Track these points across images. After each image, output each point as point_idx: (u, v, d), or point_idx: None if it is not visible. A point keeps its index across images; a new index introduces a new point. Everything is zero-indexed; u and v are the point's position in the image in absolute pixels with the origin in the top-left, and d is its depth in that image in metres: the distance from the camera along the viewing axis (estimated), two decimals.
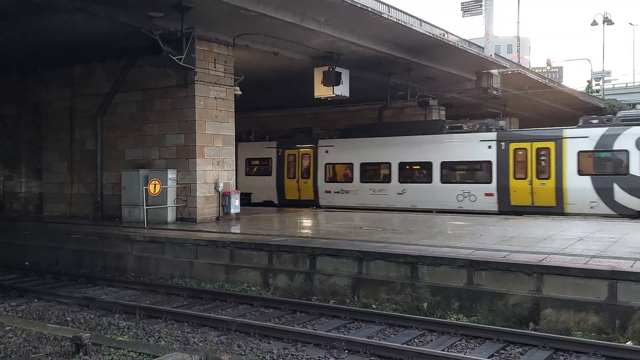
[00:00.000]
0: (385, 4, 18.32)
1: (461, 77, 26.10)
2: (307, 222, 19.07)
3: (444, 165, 23.30)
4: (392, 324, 9.98)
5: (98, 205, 19.81)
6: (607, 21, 45.87)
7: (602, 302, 9.33)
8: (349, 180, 25.57)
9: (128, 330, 9.21)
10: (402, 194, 23.93)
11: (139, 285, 13.39)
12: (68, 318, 10.10)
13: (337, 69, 20.54)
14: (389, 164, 24.53)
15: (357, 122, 30.75)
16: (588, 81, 47.77)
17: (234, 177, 19.21)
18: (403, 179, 24.21)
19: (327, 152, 26.18)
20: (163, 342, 8.52)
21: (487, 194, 22.19)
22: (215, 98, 18.12)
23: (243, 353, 8.16)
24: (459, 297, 10.49)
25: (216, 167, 18.27)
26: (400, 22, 18.80)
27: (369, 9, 17.03)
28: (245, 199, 26.70)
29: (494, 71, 26.02)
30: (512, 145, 21.93)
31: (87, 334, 7.25)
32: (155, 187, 16.85)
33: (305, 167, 26.85)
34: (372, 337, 9.33)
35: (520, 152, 21.76)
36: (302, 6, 16.58)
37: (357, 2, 16.35)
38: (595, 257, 10.73)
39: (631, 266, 9.78)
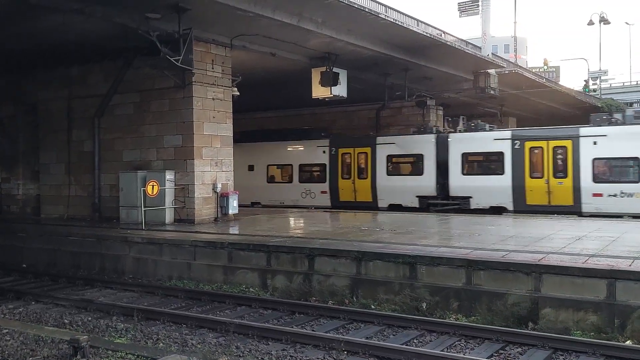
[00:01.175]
0: (383, 4, 18.36)
1: (458, 77, 26.12)
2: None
3: None
4: (391, 324, 9.96)
5: (96, 206, 19.77)
6: (604, 21, 45.99)
7: (600, 302, 9.33)
8: (635, 179, 20.15)
9: (126, 333, 9.19)
10: None
11: (136, 287, 13.35)
12: (66, 320, 10.07)
13: (335, 70, 20.57)
14: None
15: (354, 122, 30.75)
16: (585, 80, 47.94)
17: (232, 178, 19.15)
18: None
19: (595, 143, 20.70)
20: (161, 344, 8.50)
21: None
22: (213, 99, 18.10)
23: (241, 354, 8.13)
24: (458, 297, 10.48)
25: (214, 168, 18.25)
26: (397, 22, 18.82)
27: (366, 10, 17.04)
28: (462, 204, 22.91)
29: (491, 71, 26.03)
30: None
31: (85, 337, 7.22)
32: (153, 188, 16.83)
33: (560, 164, 21.23)
34: (371, 337, 9.31)
35: None
36: (299, 7, 16.57)
37: (354, 3, 16.35)
38: (593, 256, 10.72)
39: (630, 265, 9.77)
